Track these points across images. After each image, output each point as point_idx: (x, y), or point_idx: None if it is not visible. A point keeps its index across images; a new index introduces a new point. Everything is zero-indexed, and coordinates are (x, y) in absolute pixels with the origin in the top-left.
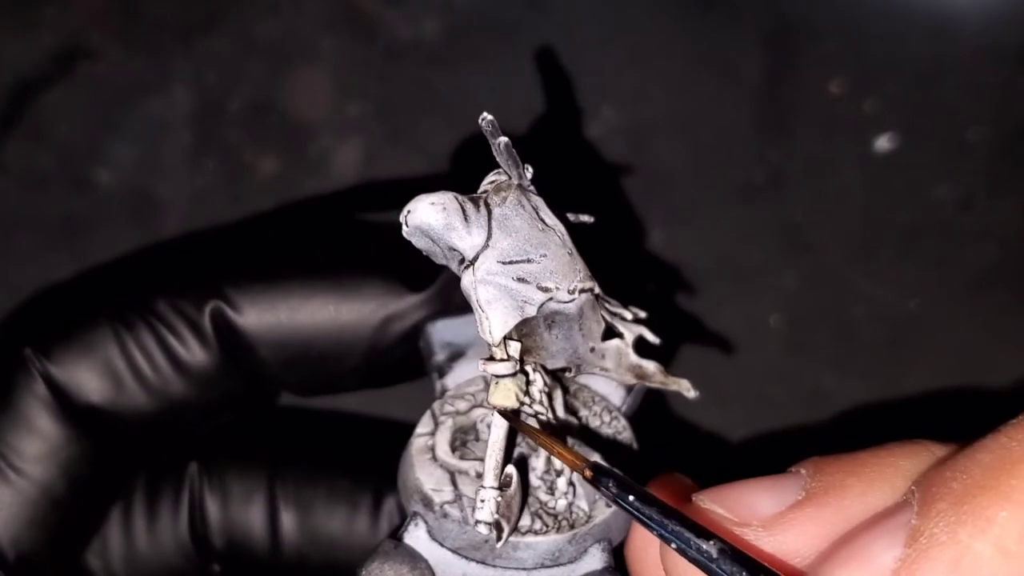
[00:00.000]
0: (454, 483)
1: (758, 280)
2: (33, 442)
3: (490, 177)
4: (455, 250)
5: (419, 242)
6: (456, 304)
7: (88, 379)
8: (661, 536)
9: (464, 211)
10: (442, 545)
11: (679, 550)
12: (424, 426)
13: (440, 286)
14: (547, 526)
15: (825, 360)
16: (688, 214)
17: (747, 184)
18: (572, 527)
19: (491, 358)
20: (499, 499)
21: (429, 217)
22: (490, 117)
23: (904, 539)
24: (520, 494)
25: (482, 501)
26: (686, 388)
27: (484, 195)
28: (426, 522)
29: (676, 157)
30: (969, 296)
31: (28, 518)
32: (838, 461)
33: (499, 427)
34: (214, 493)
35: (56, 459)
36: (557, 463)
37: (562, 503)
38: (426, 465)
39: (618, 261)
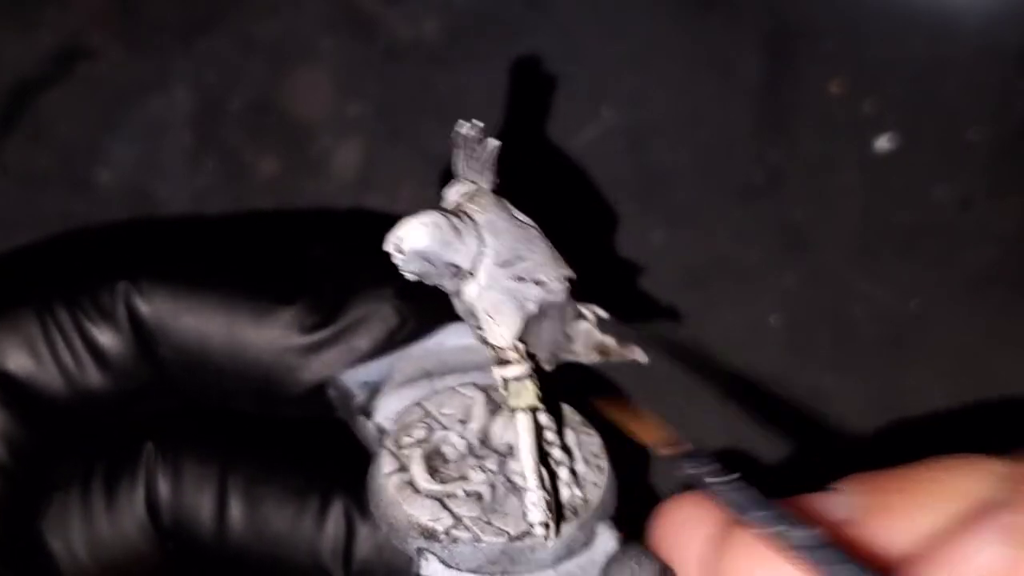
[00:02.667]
0: (447, 508)
1: (758, 280)
2: None
3: (455, 188)
4: (453, 265)
5: (414, 267)
6: (357, 348)
7: (10, 350)
8: (757, 522)
9: (453, 225)
10: (459, 570)
11: (777, 534)
12: (389, 466)
13: (340, 328)
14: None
15: (825, 360)
16: (688, 214)
17: (747, 184)
18: (576, 514)
19: (503, 362)
20: (547, 498)
21: (425, 239)
22: (481, 124)
23: (1004, 537)
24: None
25: (532, 504)
26: (640, 355)
27: (459, 207)
28: (434, 554)
29: (676, 157)
30: (969, 296)
31: None
32: (887, 479)
33: (526, 429)
34: (167, 474)
35: None
36: (556, 453)
37: (565, 493)
38: (413, 500)
39: (618, 261)
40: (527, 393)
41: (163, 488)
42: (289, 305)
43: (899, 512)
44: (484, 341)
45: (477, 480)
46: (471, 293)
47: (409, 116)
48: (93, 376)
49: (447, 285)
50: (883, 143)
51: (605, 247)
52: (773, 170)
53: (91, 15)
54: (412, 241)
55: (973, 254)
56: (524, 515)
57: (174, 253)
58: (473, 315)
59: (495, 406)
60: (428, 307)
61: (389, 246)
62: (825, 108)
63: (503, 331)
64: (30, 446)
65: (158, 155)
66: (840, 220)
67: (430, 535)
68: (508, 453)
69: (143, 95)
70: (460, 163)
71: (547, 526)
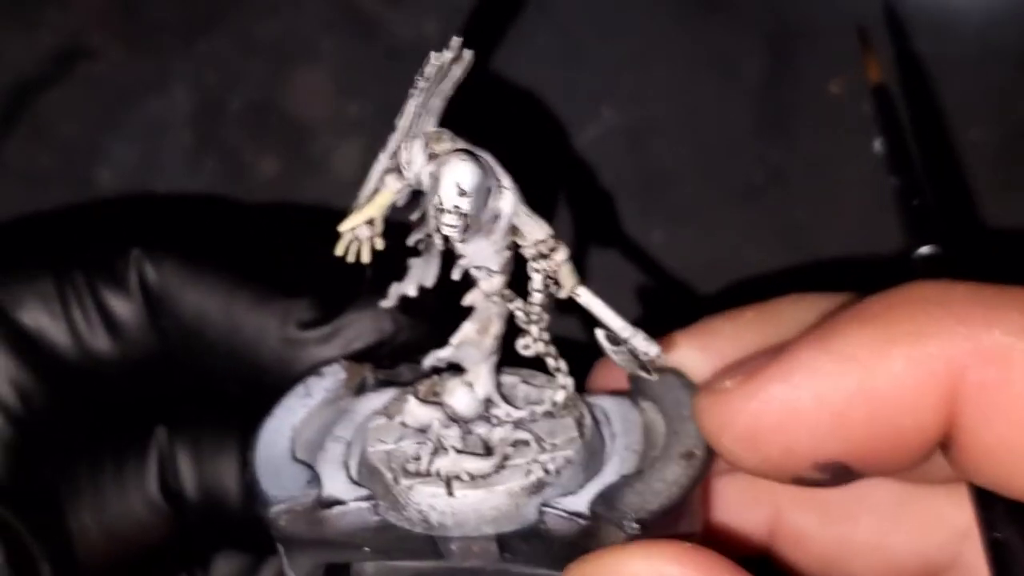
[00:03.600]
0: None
1: (758, 280)
2: None
3: (429, 140)
4: (489, 188)
5: (474, 204)
6: (349, 349)
7: (24, 304)
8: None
9: (470, 150)
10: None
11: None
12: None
13: (335, 328)
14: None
15: None
16: (688, 214)
17: (747, 184)
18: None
19: (545, 255)
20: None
21: (475, 170)
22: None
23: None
24: None
25: (646, 342)
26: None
27: (453, 146)
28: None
29: (676, 157)
30: None
31: None
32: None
33: (594, 297)
34: (186, 449)
35: (2, 371)
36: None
37: (497, 432)
38: (491, 494)
39: (618, 261)
40: (574, 272)
41: (184, 463)
42: (289, 297)
43: (731, 339)
44: (520, 247)
45: (501, 435)
46: (508, 203)
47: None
48: (102, 340)
49: (484, 215)
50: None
51: (605, 247)
52: (773, 170)
53: (91, 15)
54: (469, 177)
55: None
56: (639, 351)
57: (190, 229)
58: (504, 230)
59: (422, 397)
60: (421, 322)
61: (450, 194)
62: (825, 108)
63: (541, 223)
64: (39, 397)
65: (158, 155)
66: (840, 220)
67: (538, 488)
68: (467, 417)
69: (143, 95)
70: (417, 104)
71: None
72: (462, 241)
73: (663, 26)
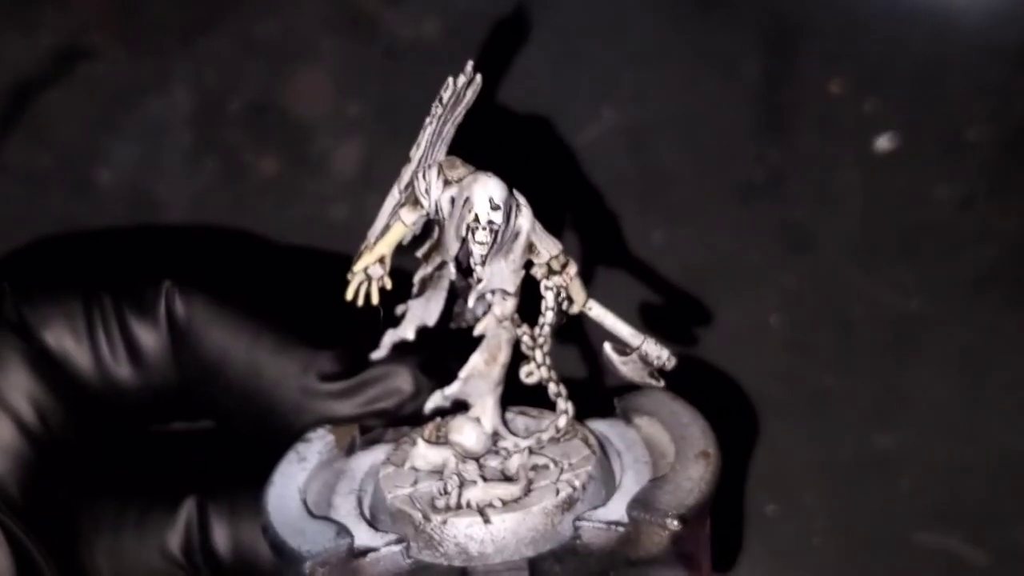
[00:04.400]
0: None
1: (758, 280)
2: (1, 368)
3: (443, 167)
4: (509, 204)
5: (501, 216)
6: (368, 408)
7: (51, 326)
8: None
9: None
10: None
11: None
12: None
13: (355, 384)
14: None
15: (825, 360)
16: (688, 214)
17: (747, 184)
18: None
19: (556, 271)
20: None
21: (502, 186)
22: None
23: None
24: None
25: (658, 346)
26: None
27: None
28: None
29: (676, 157)
30: (969, 296)
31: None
32: None
33: (604, 309)
34: (220, 512)
35: (22, 388)
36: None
37: (515, 460)
38: (527, 518)
39: (618, 261)
40: (583, 287)
41: (218, 526)
42: (313, 346)
43: None
44: (534, 265)
45: (519, 462)
46: (527, 219)
47: (409, 116)
48: (124, 367)
49: (507, 231)
50: (883, 143)
51: (606, 247)
52: (773, 170)
53: (91, 15)
54: (498, 191)
55: (973, 254)
56: (651, 356)
57: (224, 265)
58: (523, 247)
59: (431, 440)
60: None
61: (485, 209)
62: (825, 108)
63: (554, 239)
64: (57, 417)
65: (158, 155)
66: (840, 220)
67: (569, 504)
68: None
69: (143, 95)
70: (432, 132)
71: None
72: (483, 264)
73: (663, 26)
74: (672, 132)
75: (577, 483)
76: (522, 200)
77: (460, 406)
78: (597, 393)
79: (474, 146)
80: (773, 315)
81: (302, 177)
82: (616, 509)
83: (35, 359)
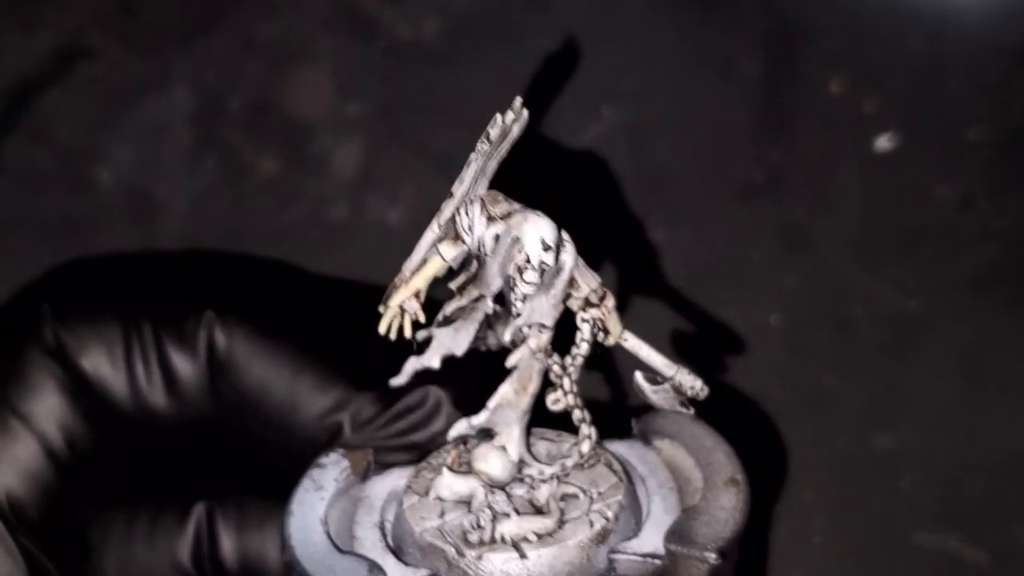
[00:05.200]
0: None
1: (758, 280)
2: (34, 392)
3: (487, 202)
4: (559, 243)
5: (552, 260)
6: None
7: (88, 350)
8: None
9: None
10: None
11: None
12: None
13: (386, 421)
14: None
15: (825, 360)
16: (688, 214)
17: (747, 184)
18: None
19: (594, 304)
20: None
21: (552, 227)
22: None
23: None
24: None
25: (692, 377)
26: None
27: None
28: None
29: (676, 157)
30: (969, 296)
31: (23, 467)
32: None
33: (640, 341)
34: (229, 520)
35: (54, 413)
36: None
37: (544, 490)
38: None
39: (618, 261)
40: (619, 319)
41: (225, 536)
42: (351, 388)
43: None
44: (571, 297)
45: (548, 493)
46: (571, 255)
47: (409, 116)
48: (159, 396)
49: (554, 267)
50: (883, 143)
51: (606, 246)
52: (773, 170)
53: (91, 15)
54: (550, 233)
55: (973, 254)
56: (685, 387)
57: (267, 295)
58: (565, 283)
59: (457, 469)
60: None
61: (537, 250)
62: (825, 108)
63: (592, 273)
64: (86, 442)
65: (158, 155)
66: (840, 220)
67: (604, 536)
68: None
69: (143, 95)
70: (477, 169)
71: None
72: (524, 300)
73: (663, 26)
74: (672, 132)
75: (610, 514)
76: (566, 236)
77: (483, 433)
78: (615, 413)
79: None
80: (773, 315)
81: (302, 177)
82: (649, 540)
83: (70, 384)
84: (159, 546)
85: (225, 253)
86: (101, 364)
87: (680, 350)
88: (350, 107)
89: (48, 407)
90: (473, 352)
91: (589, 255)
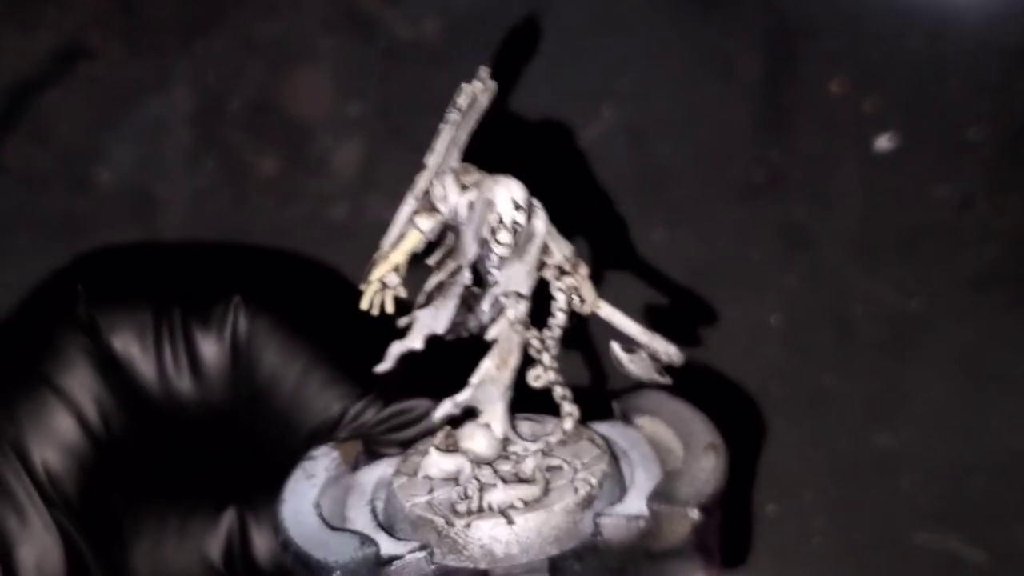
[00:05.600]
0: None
1: (758, 280)
2: (69, 366)
3: (457, 173)
4: (530, 205)
5: (524, 219)
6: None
7: (120, 331)
8: None
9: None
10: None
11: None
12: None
13: (385, 416)
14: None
15: (825, 360)
16: (688, 214)
17: (747, 184)
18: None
19: (567, 272)
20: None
21: (522, 188)
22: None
23: None
24: None
25: (668, 345)
26: None
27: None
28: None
29: (676, 157)
30: (969, 296)
31: (60, 440)
32: None
33: (613, 308)
34: (260, 524)
35: (88, 388)
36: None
37: (529, 462)
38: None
39: (618, 261)
40: (592, 287)
41: (258, 537)
42: (359, 389)
43: None
44: (546, 266)
45: (533, 465)
46: (543, 221)
47: (409, 116)
48: (185, 382)
49: (523, 234)
50: (883, 143)
51: (606, 247)
52: (773, 170)
53: (91, 15)
54: (520, 193)
55: (973, 254)
56: (660, 353)
57: (294, 288)
58: (539, 248)
59: (443, 447)
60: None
61: (508, 209)
62: (825, 108)
63: (565, 241)
64: (118, 422)
65: (158, 155)
66: (840, 220)
67: (589, 502)
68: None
69: (143, 95)
70: (451, 134)
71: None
72: (500, 267)
73: (663, 26)
74: (672, 132)
75: (594, 480)
76: (537, 202)
77: (469, 413)
78: (596, 397)
79: (474, 146)
80: (773, 315)
81: (302, 177)
82: (634, 504)
83: (101, 361)
84: (190, 543)
85: (260, 247)
86: (131, 344)
87: (680, 350)
88: (350, 107)
89: (82, 381)
90: (465, 356)
91: (589, 255)
